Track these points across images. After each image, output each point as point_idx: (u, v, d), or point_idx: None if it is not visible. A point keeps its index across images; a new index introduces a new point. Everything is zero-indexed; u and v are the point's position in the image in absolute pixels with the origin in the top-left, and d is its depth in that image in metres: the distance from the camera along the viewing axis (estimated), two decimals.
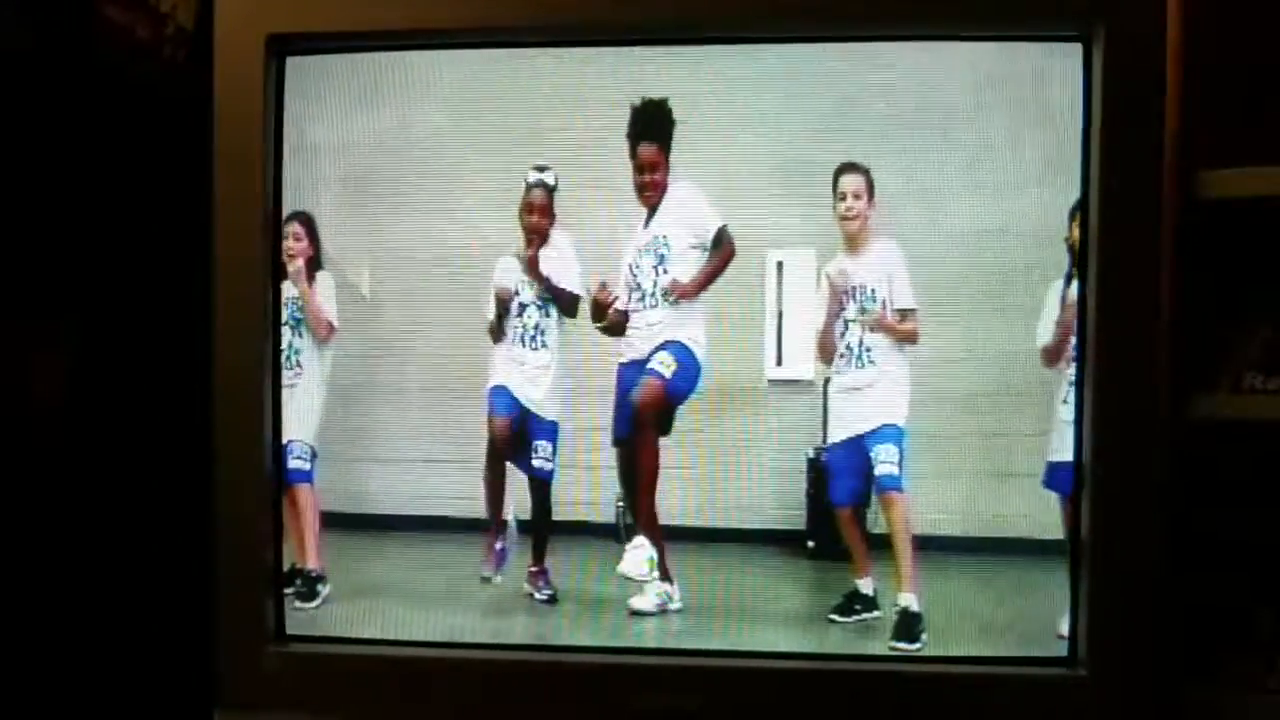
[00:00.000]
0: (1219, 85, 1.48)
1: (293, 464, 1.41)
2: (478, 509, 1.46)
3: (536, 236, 1.43)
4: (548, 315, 1.47)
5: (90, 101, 1.40)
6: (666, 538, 1.40)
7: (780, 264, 1.36)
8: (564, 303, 1.45)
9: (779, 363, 1.38)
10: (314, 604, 1.42)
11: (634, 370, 1.43)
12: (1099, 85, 1.26)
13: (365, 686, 1.35)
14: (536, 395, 1.48)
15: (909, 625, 1.35)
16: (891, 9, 1.30)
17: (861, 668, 1.33)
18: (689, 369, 1.41)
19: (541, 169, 1.39)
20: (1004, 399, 1.33)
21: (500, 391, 1.45)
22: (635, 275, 1.43)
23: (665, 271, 1.42)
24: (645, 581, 1.40)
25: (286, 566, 1.40)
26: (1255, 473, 1.53)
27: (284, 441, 1.39)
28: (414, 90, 1.37)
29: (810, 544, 1.41)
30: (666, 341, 1.43)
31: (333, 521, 1.43)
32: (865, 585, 1.39)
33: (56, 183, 1.38)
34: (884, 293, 1.37)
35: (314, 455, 1.43)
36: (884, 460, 1.38)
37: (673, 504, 1.39)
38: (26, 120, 1.35)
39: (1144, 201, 1.27)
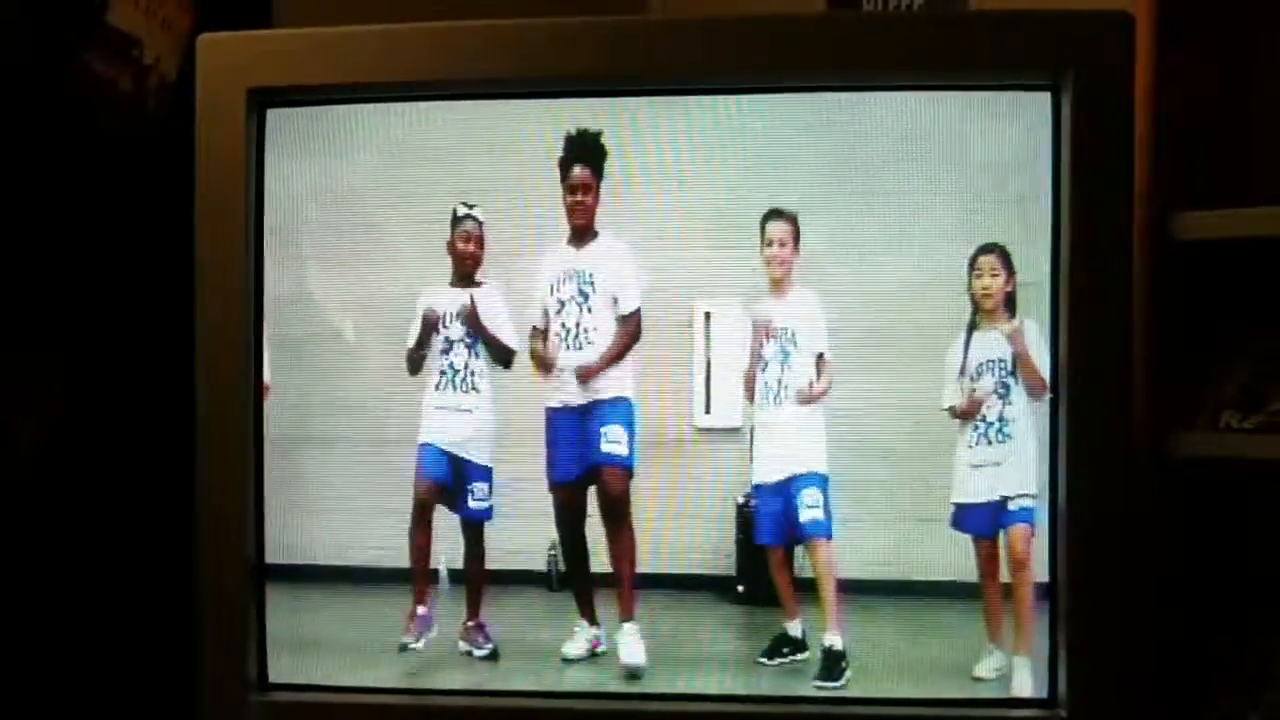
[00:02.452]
0: (1191, 127, 1.50)
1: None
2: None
3: (471, 263, 1.40)
4: (476, 356, 1.43)
5: (73, 153, 1.41)
6: (598, 584, 1.40)
7: (708, 314, 1.37)
8: (498, 354, 1.42)
9: (707, 411, 1.38)
10: None
11: (567, 418, 1.41)
12: (1068, 133, 1.27)
13: None
14: (468, 443, 1.43)
15: (832, 664, 1.36)
16: (861, 60, 1.31)
17: (805, 710, 1.34)
18: (632, 432, 1.40)
19: (470, 205, 1.38)
20: (918, 446, 1.35)
21: (429, 451, 1.42)
22: (559, 303, 1.41)
23: (589, 310, 1.41)
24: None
25: None
26: (1234, 511, 1.54)
27: None
28: (343, 140, 1.38)
29: (740, 588, 1.41)
30: (606, 402, 1.41)
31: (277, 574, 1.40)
32: (794, 628, 1.39)
33: (38, 235, 1.39)
34: (803, 337, 1.37)
35: None
36: (809, 505, 1.37)
37: (602, 550, 1.39)
38: (7, 172, 1.36)
39: (1116, 245, 1.27)
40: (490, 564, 1.43)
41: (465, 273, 1.41)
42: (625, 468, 1.40)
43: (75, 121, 1.42)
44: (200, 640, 1.34)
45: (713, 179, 1.35)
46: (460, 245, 1.40)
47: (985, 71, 1.30)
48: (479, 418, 1.43)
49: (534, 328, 1.41)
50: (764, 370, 1.39)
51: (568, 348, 1.41)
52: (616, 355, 1.40)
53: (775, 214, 1.35)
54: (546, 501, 1.41)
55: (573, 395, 1.41)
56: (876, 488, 1.36)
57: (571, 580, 1.41)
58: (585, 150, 1.36)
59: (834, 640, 1.36)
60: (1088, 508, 1.28)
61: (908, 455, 1.35)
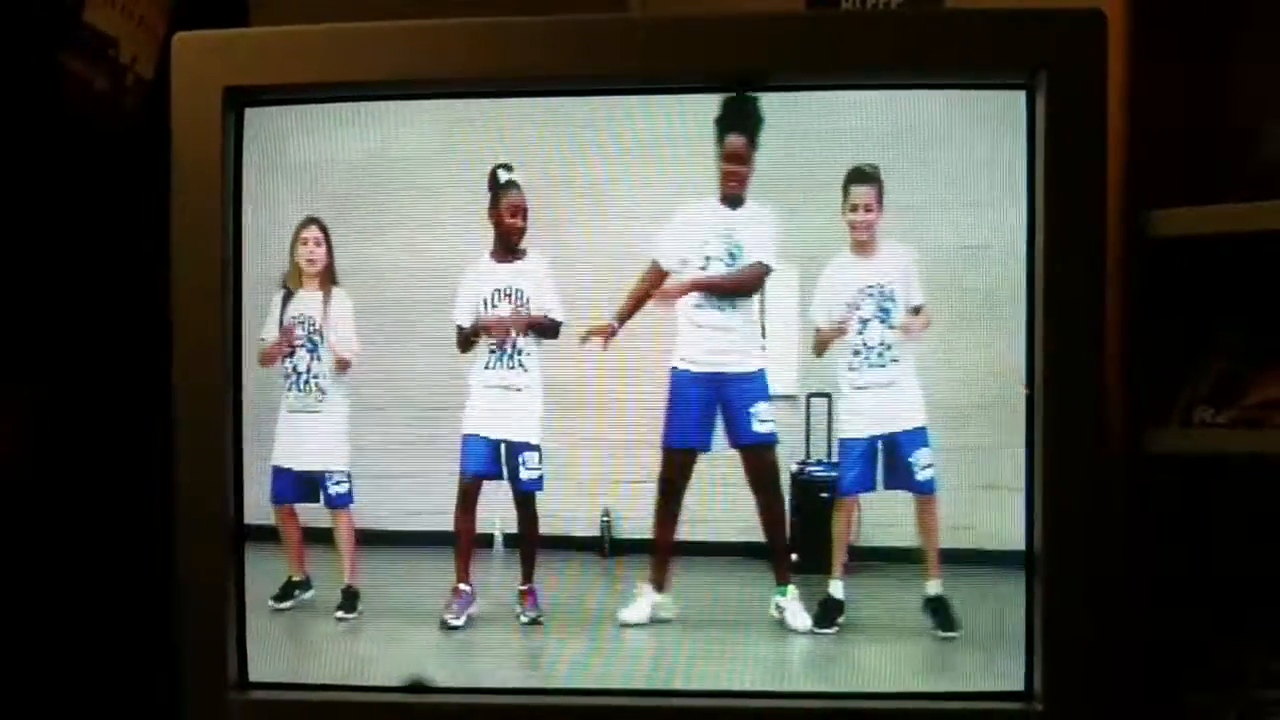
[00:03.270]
0: (1164, 124, 1.51)
1: (333, 489, 1.43)
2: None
3: (516, 236, 1.40)
4: (525, 333, 1.44)
5: (49, 153, 1.41)
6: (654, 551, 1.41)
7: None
8: (545, 332, 1.42)
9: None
10: (355, 614, 1.42)
11: (697, 385, 1.41)
12: (1043, 131, 1.28)
13: None
14: (517, 427, 1.44)
15: (937, 609, 1.37)
16: (838, 59, 1.31)
17: (805, 705, 1.35)
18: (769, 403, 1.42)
19: (508, 168, 1.38)
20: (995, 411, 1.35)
21: (474, 443, 1.43)
22: (704, 254, 1.40)
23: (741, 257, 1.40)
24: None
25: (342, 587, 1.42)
26: (1209, 507, 1.56)
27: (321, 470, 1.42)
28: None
29: (794, 556, 1.41)
30: (746, 375, 1.42)
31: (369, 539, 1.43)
32: (836, 588, 1.40)
33: (13, 234, 1.38)
34: (901, 291, 1.38)
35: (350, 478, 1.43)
36: (924, 465, 1.38)
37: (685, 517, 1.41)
38: None
39: (1091, 242, 1.28)
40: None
41: (509, 246, 1.41)
42: (774, 444, 1.40)
43: (51, 121, 1.41)
44: (180, 639, 1.34)
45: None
46: (509, 220, 1.39)
47: (960, 70, 1.31)
48: (527, 398, 1.44)
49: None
50: (860, 332, 1.39)
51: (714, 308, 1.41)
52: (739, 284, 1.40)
53: (859, 175, 1.35)
54: (597, 469, 1.41)
55: (707, 361, 1.42)
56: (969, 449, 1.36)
57: (651, 545, 1.41)
58: (740, 115, 1.35)
59: (935, 588, 1.37)
60: (1062, 503, 1.29)
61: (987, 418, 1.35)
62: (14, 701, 1.38)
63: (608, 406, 1.39)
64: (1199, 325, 1.54)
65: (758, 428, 1.41)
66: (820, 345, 1.39)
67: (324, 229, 1.40)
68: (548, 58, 1.32)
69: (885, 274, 1.38)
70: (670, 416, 1.40)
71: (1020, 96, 1.29)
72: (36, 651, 1.40)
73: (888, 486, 1.40)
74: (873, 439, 1.40)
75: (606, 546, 1.42)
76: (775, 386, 1.41)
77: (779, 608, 1.40)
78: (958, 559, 1.36)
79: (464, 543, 1.43)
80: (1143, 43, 1.48)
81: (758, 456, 1.41)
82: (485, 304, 1.44)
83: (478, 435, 1.44)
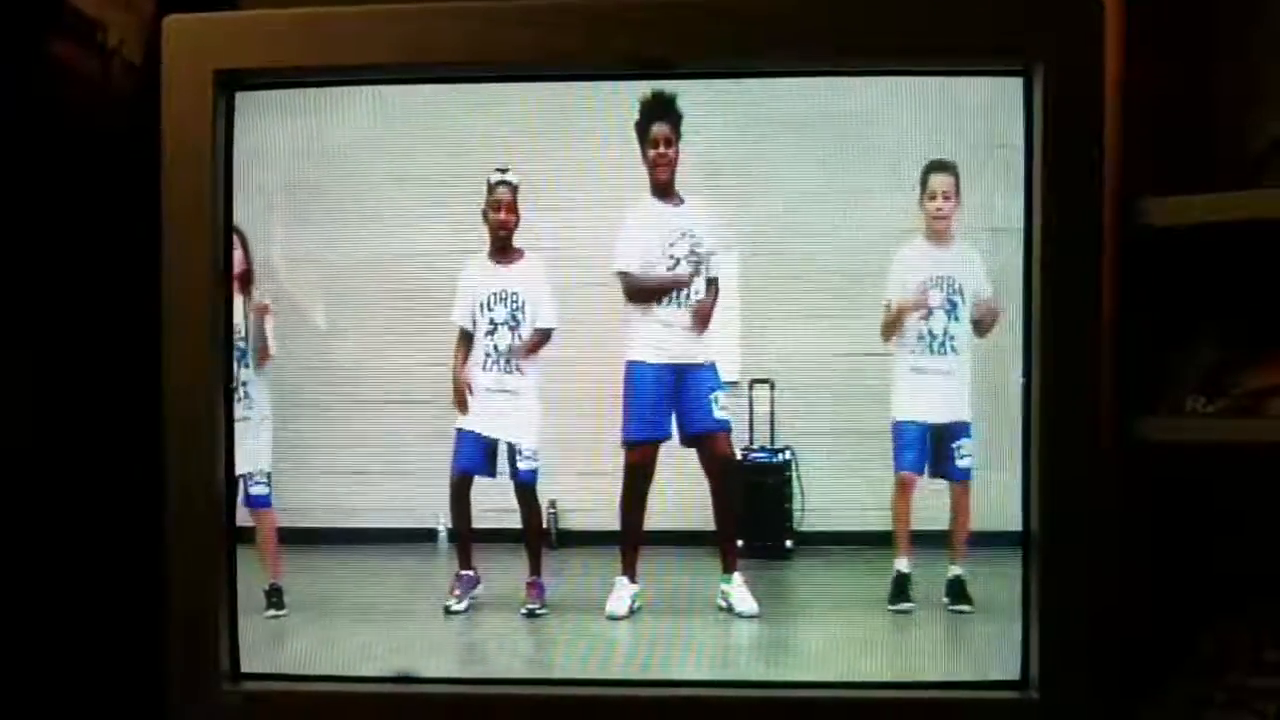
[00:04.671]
0: (1159, 113, 1.52)
1: (254, 490, 1.42)
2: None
3: (505, 231, 1.42)
4: (521, 338, 1.46)
5: (36, 138, 1.39)
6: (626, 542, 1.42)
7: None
8: (539, 336, 1.45)
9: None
10: (284, 611, 1.42)
11: (660, 372, 1.43)
12: (1039, 117, 1.28)
13: None
14: (513, 428, 1.46)
15: (960, 590, 1.38)
16: (833, 44, 1.31)
17: (813, 694, 1.34)
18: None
19: (503, 170, 1.39)
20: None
21: (468, 441, 1.44)
22: (671, 253, 1.42)
23: (704, 259, 1.42)
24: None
25: (266, 586, 1.42)
26: (1200, 496, 1.56)
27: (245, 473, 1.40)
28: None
29: (740, 543, 1.43)
30: (705, 366, 1.44)
31: (291, 538, 1.43)
32: (904, 564, 1.42)
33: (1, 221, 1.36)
34: (971, 285, 1.40)
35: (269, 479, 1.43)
36: (965, 454, 1.40)
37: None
38: None
39: (1086, 229, 1.29)
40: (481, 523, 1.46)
41: (502, 244, 1.43)
42: (730, 430, 1.42)
43: (37, 106, 1.39)
44: (169, 630, 1.33)
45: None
46: (494, 215, 1.41)
47: (957, 56, 1.31)
48: (521, 402, 1.45)
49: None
50: (927, 318, 1.40)
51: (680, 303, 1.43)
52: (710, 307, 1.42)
53: (938, 166, 1.36)
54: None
55: (678, 351, 1.43)
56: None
57: (624, 536, 1.41)
58: (663, 107, 1.36)
59: (958, 570, 1.38)
60: (1059, 493, 1.29)
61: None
62: (6, 691, 1.36)
63: (568, 401, 1.41)
64: (1191, 314, 1.55)
65: (718, 414, 1.43)
66: (890, 325, 1.39)
67: (241, 235, 1.39)
68: (554, 41, 1.31)
69: (957, 266, 1.40)
70: (630, 410, 1.40)
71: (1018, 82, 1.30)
72: (27, 643, 1.39)
73: (933, 474, 1.42)
74: (923, 425, 1.42)
75: (553, 538, 1.45)
76: (720, 373, 1.42)
77: (724, 595, 1.41)
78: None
79: (464, 530, 1.44)
80: (1137, 31, 1.48)
81: (716, 442, 1.43)
82: (482, 307, 1.45)
83: (474, 433, 1.45)
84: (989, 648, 1.35)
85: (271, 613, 1.42)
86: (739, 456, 1.43)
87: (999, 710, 1.32)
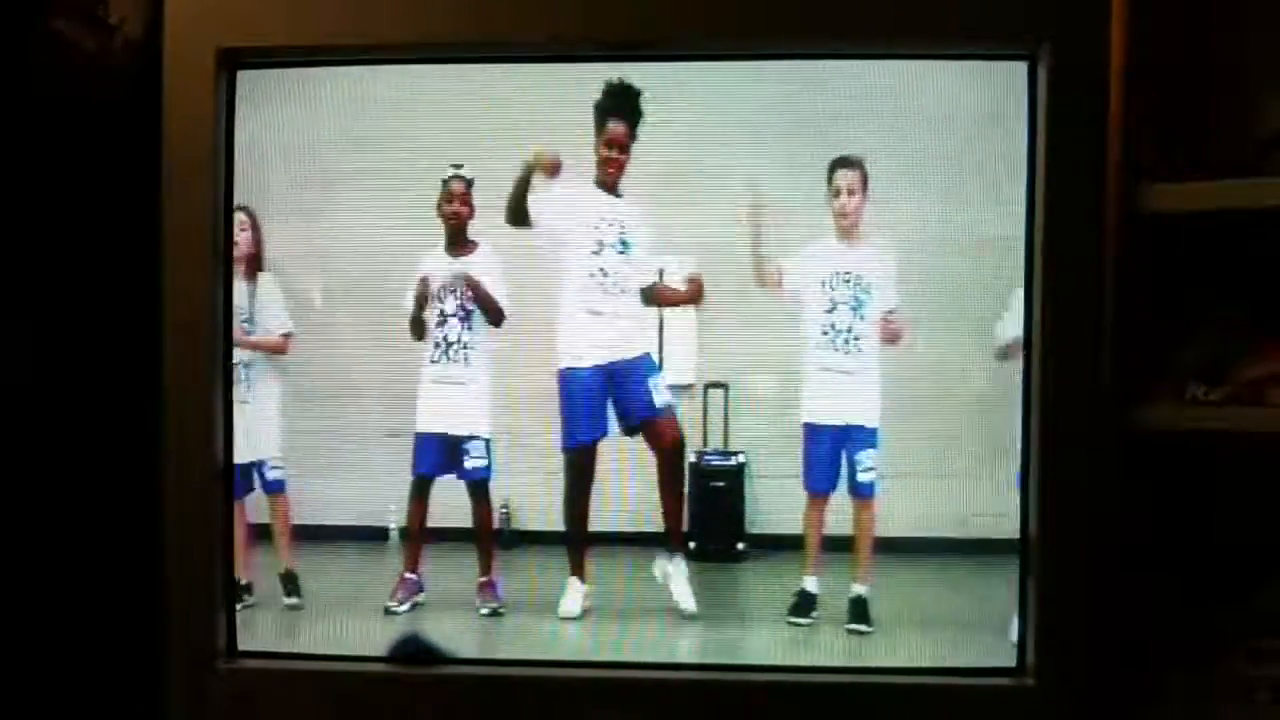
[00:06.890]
0: (1163, 100, 1.51)
1: (270, 475, 1.44)
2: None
3: (457, 221, 1.42)
4: (470, 329, 1.46)
5: (38, 114, 1.38)
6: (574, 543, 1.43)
7: (661, 271, 1.41)
8: (492, 314, 1.45)
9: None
10: (299, 599, 1.43)
11: (592, 377, 1.43)
12: (1044, 103, 1.28)
13: (322, 703, 1.35)
14: (465, 421, 1.46)
15: (861, 610, 1.38)
16: (844, 28, 1.30)
17: (807, 679, 1.34)
18: None
19: (458, 165, 1.39)
20: (963, 400, 1.36)
21: (427, 443, 1.45)
22: (600, 257, 1.43)
23: (630, 249, 1.43)
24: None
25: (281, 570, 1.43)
26: (1200, 483, 1.56)
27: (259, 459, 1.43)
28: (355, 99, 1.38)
29: (691, 545, 1.43)
30: (640, 358, 1.44)
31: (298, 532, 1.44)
32: (811, 583, 1.40)
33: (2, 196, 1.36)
34: (876, 288, 1.39)
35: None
36: (866, 467, 1.39)
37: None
38: None
39: (1088, 216, 1.29)
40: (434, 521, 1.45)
41: (456, 235, 1.43)
42: (675, 411, 1.42)
43: (38, 83, 1.39)
44: (167, 608, 1.34)
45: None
46: (446, 207, 1.41)
47: (963, 41, 1.31)
48: (471, 390, 1.45)
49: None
50: (830, 311, 1.40)
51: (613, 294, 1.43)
52: (685, 301, 1.41)
53: (843, 162, 1.35)
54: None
55: (614, 349, 1.44)
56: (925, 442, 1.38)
57: (573, 539, 1.43)
58: (622, 101, 1.36)
59: (862, 590, 1.38)
60: (1059, 480, 1.30)
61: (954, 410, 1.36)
62: (3, 669, 1.36)
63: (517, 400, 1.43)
64: (1192, 302, 1.54)
65: (658, 400, 1.43)
66: (759, 277, 1.37)
67: (251, 215, 1.39)
68: (557, 21, 1.31)
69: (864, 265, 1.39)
70: (566, 418, 1.40)
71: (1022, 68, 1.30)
72: (24, 624, 1.39)
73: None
74: (829, 429, 1.40)
75: (504, 537, 1.45)
76: (672, 376, 1.42)
77: (665, 575, 1.41)
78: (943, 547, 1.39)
79: (414, 533, 1.44)
80: (1141, 18, 1.47)
81: (659, 425, 1.43)
82: (433, 299, 1.46)
83: (426, 432, 1.45)
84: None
85: (292, 600, 1.43)
86: (693, 459, 1.42)
87: (994, 696, 1.32)
